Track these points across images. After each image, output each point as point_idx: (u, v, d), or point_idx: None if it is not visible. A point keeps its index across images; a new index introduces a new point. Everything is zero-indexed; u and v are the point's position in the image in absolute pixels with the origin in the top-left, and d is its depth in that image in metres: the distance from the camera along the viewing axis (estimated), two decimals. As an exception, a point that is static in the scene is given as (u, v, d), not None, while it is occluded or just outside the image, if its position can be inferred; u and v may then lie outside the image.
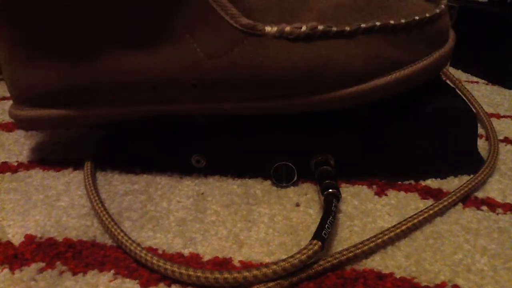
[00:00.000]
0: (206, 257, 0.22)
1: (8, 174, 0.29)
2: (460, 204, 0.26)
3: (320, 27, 0.23)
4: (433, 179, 0.28)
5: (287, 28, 0.23)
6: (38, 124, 0.28)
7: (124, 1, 0.24)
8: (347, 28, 0.24)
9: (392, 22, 0.24)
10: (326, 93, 0.25)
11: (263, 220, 0.25)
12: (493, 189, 0.27)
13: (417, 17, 0.24)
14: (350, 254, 0.21)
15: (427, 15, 0.25)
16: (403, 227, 0.23)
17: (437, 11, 0.25)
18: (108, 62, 0.25)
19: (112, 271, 0.21)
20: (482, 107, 0.36)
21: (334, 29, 0.23)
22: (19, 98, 0.28)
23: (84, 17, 0.24)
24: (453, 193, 0.26)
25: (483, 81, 0.48)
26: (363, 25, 0.24)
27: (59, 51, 0.26)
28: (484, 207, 0.26)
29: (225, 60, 0.24)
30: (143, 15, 0.24)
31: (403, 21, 0.24)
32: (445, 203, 0.25)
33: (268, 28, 0.23)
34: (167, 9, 0.24)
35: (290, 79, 0.24)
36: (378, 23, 0.24)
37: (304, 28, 0.23)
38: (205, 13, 0.23)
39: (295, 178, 0.28)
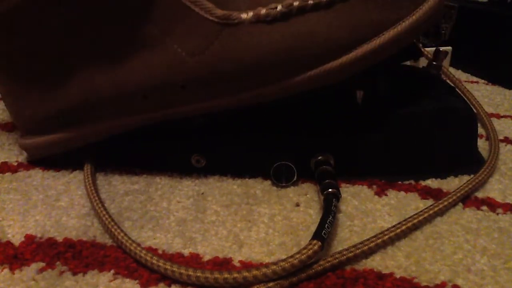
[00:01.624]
0: (206, 257, 0.22)
1: (8, 174, 0.29)
2: (460, 204, 0.26)
3: (296, 3, 0.23)
4: (433, 179, 0.28)
5: (263, 11, 0.23)
6: (45, 150, 0.29)
7: (98, 15, 0.24)
8: None
9: None
10: (314, 68, 0.24)
11: (263, 220, 0.25)
12: (493, 189, 0.27)
13: None
14: (350, 254, 0.21)
15: None
16: (403, 227, 0.23)
17: None
18: (95, 78, 0.26)
19: (112, 271, 0.21)
20: (482, 107, 0.36)
21: (311, 2, 0.23)
22: (24, 128, 0.29)
23: (63, 43, 0.25)
24: (453, 193, 0.26)
25: (483, 81, 0.48)
26: None
27: (50, 77, 0.26)
28: (484, 207, 0.26)
29: (207, 55, 0.24)
30: (120, 27, 0.24)
31: None
32: (445, 203, 0.25)
33: (243, 15, 0.23)
34: (141, 16, 0.24)
35: (274, 62, 0.23)
36: None
37: (279, 7, 0.23)
38: (179, 13, 0.23)
39: (295, 178, 0.28)
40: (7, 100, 0.29)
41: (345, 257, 0.21)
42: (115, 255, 0.22)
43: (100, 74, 0.25)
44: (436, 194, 0.27)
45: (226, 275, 0.19)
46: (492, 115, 0.39)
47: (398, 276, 0.21)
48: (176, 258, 0.22)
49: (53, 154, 0.29)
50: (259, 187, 0.28)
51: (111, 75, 0.25)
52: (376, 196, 0.27)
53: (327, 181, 0.25)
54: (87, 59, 0.25)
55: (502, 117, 0.38)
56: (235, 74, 0.24)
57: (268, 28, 0.23)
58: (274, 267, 0.19)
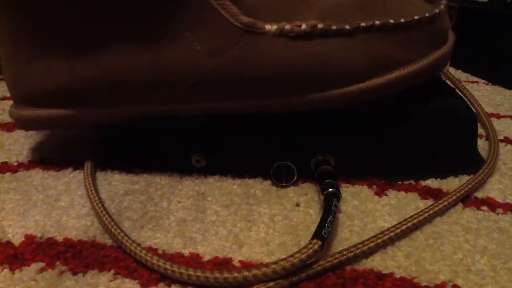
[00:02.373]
0: (206, 257, 0.22)
1: (8, 174, 0.29)
2: (460, 204, 0.26)
3: (320, 26, 0.23)
4: (433, 179, 0.28)
5: (287, 26, 0.23)
6: (38, 124, 0.28)
7: (127, 2, 0.24)
8: (347, 27, 0.24)
9: (391, 21, 0.24)
10: (326, 91, 0.25)
11: (263, 220, 0.25)
12: (493, 189, 0.27)
13: (416, 17, 0.25)
14: (350, 254, 0.21)
15: (427, 15, 0.25)
16: (403, 227, 0.23)
17: (437, 11, 0.25)
18: (108, 61, 0.25)
19: (112, 271, 0.21)
20: (482, 107, 0.36)
21: (334, 27, 0.24)
22: (20, 98, 0.28)
23: (84, 16, 0.24)
24: (453, 193, 0.26)
25: (483, 81, 0.48)
26: (362, 24, 0.24)
27: (60, 50, 0.26)
28: (484, 207, 0.26)
29: (225, 58, 0.24)
30: (144, 14, 0.24)
31: (402, 20, 0.24)
32: (445, 203, 0.25)
33: (268, 26, 0.23)
34: (168, 8, 0.24)
35: (290, 77, 0.24)
36: (377, 22, 0.24)
37: (304, 26, 0.23)
38: (205, 12, 0.23)
39: (295, 178, 0.28)
40: (10, 64, 0.27)
41: (345, 257, 0.21)
42: (115, 255, 0.22)
43: (115, 57, 0.25)
44: (436, 194, 0.27)
45: (226, 275, 0.19)
46: (492, 115, 0.39)
47: (398, 276, 0.21)
48: (176, 258, 0.22)
49: (45, 128, 0.29)
50: (259, 187, 0.28)
51: (125, 60, 0.25)
52: (376, 196, 0.27)
53: (327, 181, 0.25)
54: (105, 40, 0.25)
55: (502, 117, 0.38)
56: (248, 81, 0.24)
57: (290, 44, 0.24)
58: (274, 266, 0.19)
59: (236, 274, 0.19)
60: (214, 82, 0.25)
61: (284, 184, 0.28)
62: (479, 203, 0.26)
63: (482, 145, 0.33)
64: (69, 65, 0.26)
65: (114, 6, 0.24)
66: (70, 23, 0.25)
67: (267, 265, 0.20)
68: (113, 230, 0.23)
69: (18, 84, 0.28)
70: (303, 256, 0.20)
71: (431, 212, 0.24)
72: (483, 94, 0.44)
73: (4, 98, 0.42)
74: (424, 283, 0.20)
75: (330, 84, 0.24)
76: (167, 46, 0.24)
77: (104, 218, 0.24)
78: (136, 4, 0.24)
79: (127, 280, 0.21)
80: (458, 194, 0.26)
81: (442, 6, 0.26)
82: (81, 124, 0.28)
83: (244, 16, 0.23)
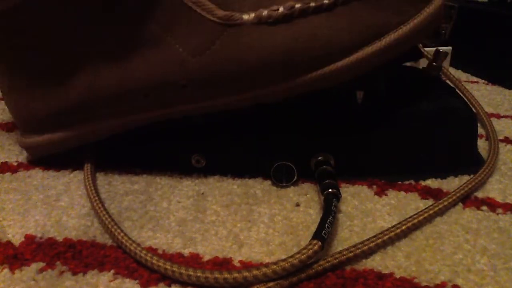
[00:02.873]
0: (206, 257, 0.22)
1: (8, 174, 0.29)
2: (460, 204, 0.26)
3: (298, 5, 0.23)
4: (433, 179, 0.28)
5: (265, 13, 0.23)
6: (44, 149, 0.29)
7: (99, 14, 0.24)
8: (326, 1, 0.23)
9: None
10: (316, 70, 0.24)
11: (263, 220, 0.25)
12: (493, 189, 0.27)
13: None
14: (350, 254, 0.21)
15: None
16: (403, 227, 0.23)
17: None
18: (100, 77, 0.26)
19: (112, 271, 0.21)
20: (482, 107, 0.36)
21: (312, 4, 0.23)
22: (23, 127, 0.29)
23: (64, 41, 0.25)
24: (453, 193, 0.26)
25: (483, 81, 0.48)
26: None
27: (51, 76, 0.26)
28: (484, 207, 0.26)
29: (209, 55, 0.24)
30: (122, 26, 0.24)
31: None
32: (445, 203, 0.25)
33: (245, 16, 0.23)
34: (143, 14, 0.24)
35: (276, 63, 0.24)
36: None
37: (281, 9, 0.23)
38: (181, 12, 0.23)
39: (295, 178, 0.28)
40: (9, 98, 0.29)
41: (345, 257, 0.21)
42: (115, 255, 0.22)
43: (102, 72, 0.25)
44: (436, 194, 0.27)
45: (226, 275, 0.19)
46: (492, 115, 0.39)
47: (398, 276, 0.21)
48: (176, 258, 0.22)
49: (53, 153, 0.29)
50: (259, 187, 0.28)
51: (113, 73, 0.25)
52: (376, 196, 0.27)
53: (327, 181, 0.25)
54: (89, 57, 0.25)
55: (502, 117, 0.38)
56: (236, 74, 0.24)
57: (270, 30, 0.23)
58: (274, 267, 0.19)
59: (236, 275, 0.19)
60: (203, 81, 0.24)
61: (284, 184, 0.28)
62: (479, 203, 0.26)
63: (482, 145, 0.33)
64: (59, 91, 0.26)
65: (86, 27, 0.24)
66: (52, 52, 0.26)
67: (267, 265, 0.20)
68: (113, 230, 0.23)
69: (20, 113, 0.28)
70: (303, 256, 0.20)
71: (431, 212, 0.24)
72: (483, 94, 0.44)
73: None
74: (424, 283, 0.20)
75: (318, 63, 0.24)
76: (150, 52, 0.24)
77: (104, 218, 0.24)
78: (110, 17, 0.24)
79: (127, 280, 0.21)
80: (458, 194, 0.26)
81: None
82: (85, 142, 0.29)
83: (220, 10, 0.23)
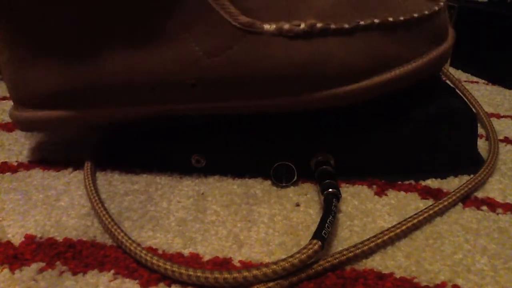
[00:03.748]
0: (206, 257, 0.22)
1: (8, 174, 0.29)
2: (460, 204, 0.26)
3: (319, 25, 0.23)
4: (433, 179, 0.28)
5: (286, 26, 0.23)
6: (39, 125, 0.28)
7: (123, 1, 0.24)
8: (346, 26, 0.24)
9: (390, 19, 0.24)
10: (325, 90, 0.25)
11: (263, 220, 0.25)
12: (493, 189, 0.27)
13: (415, 14, 0.24)
14: (350, 254, 0.21)
15: (426, 12, 0.25)
16: (403, 227, 0.23)
17: (436, 8, 0.25)
18: (107, 63, 0.25)
19: (112, 271, 0.21)
20: (482, 107, 0.36)
21: (333, 26, 0.24)
22: (20, 100, 0.28)
23: (83, 18, 0.24)
24: (453, 193, 0.26)
25: (483, 81, 0.48)
26: (361, 22, 0.24)
27: (59, 52, 0.26)
28: (484, 207, 0.26)
29: (224, 58, 0.24)
30: (142, 15, 0.24)
31: (401, 18, 0.24)
32: (445, 203, 0.25)
33: (266, 26, 0.23)
34: (166, 8, 0.24)
35: (289, 76, 0.24)
36: (376, 20, 0.24)
37: (302, 25, 0.23)
38: (204, 12, 0.23)
39: (295, 178, 0.28)
40: (9, 67, 0.28)
41: (345, 257, 0.21)
42: (115, 255, 0.22)
43: (113, 58, 0.25)
44: (436, 194, 0.27)
45: (226, 275, 0.19)
46: (492, 115, 0.39)
47: (398, 276, 0.21)
48: (176, 258, 0.22)
49: (46, 130, 0.29)
50: (259, 187, 0.28)
51: (124, 61, 0.25)
52: (376, 196, 0.27)
53: (327, 181, 0.25)
54: (103, 42, 0.25)
55: (502, 117, 0.38)
56: (248, 81, 0.24)
57: (289, 43, 0.24)
58: (274, 266, 0.19)
59: (236, 275, 0.19)
60: (213, 82, 0.25)
61: (284, 184, 0.28)
62: (479, 203, 0.26)
63: (482, 145, 0.33)
64: (67, 68, 0.26)
65: (110, 8, 0.24)
66: (66, 27, 0.25)
67: (267, 265, 0.20)
68: (113, 230, 0.23)
69: (18, 86, 0.28)
70: (303, 256, 0.20)
71: (431, 212, 0.24)
72: (483, 94, 0.44)
73: (4, 98, 0.42)
74: (424, 283, 0.20)
75: (329, 83, 0.24)
76: (165, 46, 0.24)
77: (104, 218, 0.24)
78: (133, 5, 0.24)
79: (127, 280, 0.21)
80: (458, 194, 0.26)
81: (442, 3, 0.26)
82: (81, 126, 0.28)
83: (243, 16, 0.23)
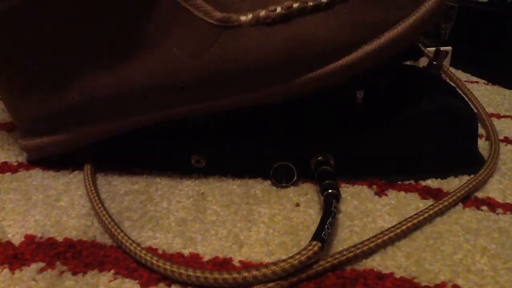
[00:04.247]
0: (206, 257, 0.22)
1: (8, 174, 0.29)
2: (460, 204, 0.26)
3: (295, 5, 0.23)
4: (433, 179, 0.28)
5: (262, 13, 0.23)
6: (45, 151, 0.29)
7: (96, 17, 0.24)
8: (323, 0, 0.23)
9: None
10: (314, 70, 0.24)
11: (263, 220, 0.25)
12: (493, 189, 0.27)
13: None
14: (350, 254, 0.21)
15: None
16: (403, 227, 0.23)
17: None
18: (95, 79, 0.26)
19: (112, 271, 0.21)
20: (483, 107, 0.36)
21: (310, 3, 0.23)
22: (23, 129, 0.29)
23: (62, 44, 0.25)
24: (453, 193, 0.26)
25: (483, 81, 0.48)
26: None
27: (50, 78, 0.26)
28: (484, 207, 0.26)
29: (207, 57, 0.24)
30: (118, 29, 0.24)
31: None
32: (445, 203, 0.25)
33: (243, 18, 0.23)
34: (140, 18, 0.24)
35: (275, 63, 0.24)
36: None
37: (279, 9, 0.23)
38: (178, 15, 0.23)
39: (295, 178, 0.28)
40: (7, 101, 0.29)
41: (345, 257, 0.21)
42: (115, 255, 0.22)
43: (100, 74, 0.25)
44: (436, 194, 0.27)
45: (225, 275, 0.19)
46: (492, 115, 0.39)
47: (398, 276, 0.21)
48: (176, 258, 0.22)
49: (53, 155, 0.29)
50: (259, 187, 0.28)
51: (111, 76, 0.25)
52: (376, 196, 0.27)
53: (327, 181, 0.25)
54: (87, 60, 0.25)
55: (502, 117, 0.38)
56: (235, 76, 0.24)
57: (268, 30, 0.23)
58: (273, 267, 0.19)
59: (235, 275, 0.19)
60: (201, 83, 0.24)
61: (284, 184, 0.28)
62: (479, 203, 0.26)
63: (482, 145, 0.33)
64: (60, 93, 0.26)
65: (90, 30, 0.24)
66: (52, 54, 0.25)
67: (266, 266, 0.20)
68: (113, 230, 0.23)
69: (18, 116, 0.29)
70: (302, 257, 0.20)
71: (431, 212, 0.24)
72: (483, 94, 0.44)
73: (4, 98, 0.42)
74: (424, 283, 0.20)
75: (317, 63, 0.24)
76: (149, 55, 0.24)
77: (104, 218, 0.24)
78: (108, 20, 0.24)
79: (127, 280, 0.21)
80: (458, 194, 0.26)
81: None
82: (85, 144, 0.29)
83: (217, 12, 0.23)
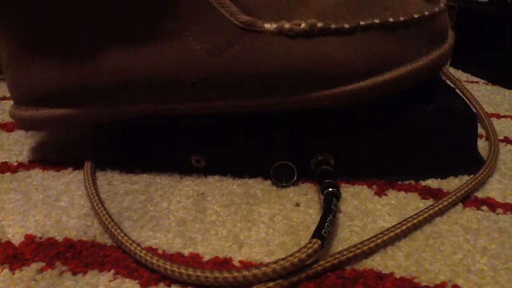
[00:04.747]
0: (206, 257, 0.22)
1: (8, 174, 0.29)
2: (460, 204, 0.26)
3: (319, 24, 0.23)
4: (433, 179, 0.28)
5: (287, 25, 0.23)
6: (38, 124, 0.28)
7: (122, 1, 0.24)
8: (346, 25, 0.24)
9: (391, 19, 0.24)
10: (325, 90, 0.25)
11: (263, 220, 0.25)
12: (493, 189, 0.27)
13: (416, 15, 0.25)
14: (350, 254, 0.21)
15: (426, 13, 0.25)
16: (403, 227, 0.23)
17: (436, 9, 0.25)
18: (106, 61, 0.25)
19: (112, 271, 0.21)
20: (482, 107, 0.36)
21: (333, 26, 0.24)
22: (21, 99, 0.28)
23: (82, 17, 0.25)
24: (453, 193, 0.26)
25: (483, 81, 0.48)
26: (362, 22, 0.24)
27: (59, 51, 0.26)
28: (484, 207, 0.26)
29: (225, 57, 0.24)
30: (140, 14, 0.24)
31: (402, 18, 0.24)
32: (445, 203, 0.25)
33: (267, 25, 0.23)
34: (166, 8, 0.24)
35: (289, 75, 0.24)
36: (376, 21, 0.24)
37: (303, 25, 0.23)
38: (204, 11, 0.23)
39: (295, 178, 0.28)
40: (9, 66, 0.28)
41: (345, 257, 0.21)
42: (115, 255, 0.22)
43: (112, 57, 0.25)
44: (436, 194, 0.27)
45: (226, 274, 0.19)
46: (492, 115, 0.39)
47: (398, 276, 0.21)
48: (176, 258, 0.22)
49: (45, 128, 0.29)
50: (259, 187, 0.28)
51: (123, 59, 0.25)
52: (376, 196, 0.27)
53: (327, 180, 0.25)
54: (101, 41, 0.25)
55: (502, 117, 0.38)
56: (248, 80, 0.24)
57: (289, 42, 0.24)
58: (274, 266, 0.19)
59: (235, 274, 0.19)
60: (214, 81, 0.25)
61: (284, 184, 0.28)
62: (479, 203, 0.26)
63: (482, 145, 0.33)
64: (65, 66, 0.26)
65: (109, 7, 0.24)
66: (65, 26, 0.25)
67: (266, 264, 0.20)
68: (113, 230, 0.23)
69: (18, 84, 0.28)
70: (303, 255, 0.20)
71: (431, 212, 0.24)
72: (483, 94, 0.44)
73: (4, 98, 0.42)
74: (424, 283, 0.20)
75: (329, 83, 0.24)
76: (165, 45, 0.24)
77: (104, 218, 0.24)
78: (133, 4, 0.24)
79: (127, 280, 0.21)
80: (458, 194, 0.26)
81: (442, 5, 0.26)
82: (81, 124, 0.28)
83: (243, 15, 0.23)
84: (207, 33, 0.24)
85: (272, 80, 0.24)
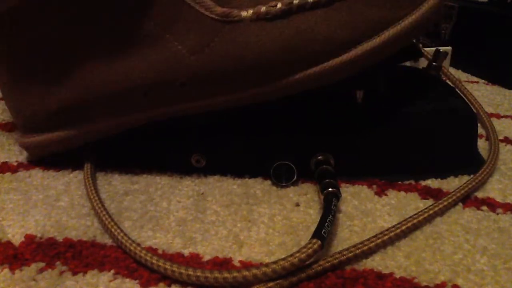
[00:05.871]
0: (206, 257, 0.22)
1: (8, 174, 0.29)
2: (460, 204, 0.26)
3: (296, 1, 0.23)
4: (433, 179, 0.28)
5: (263, 9, 0.23)
6: (45, 149, 0.29)
7: (96, 13, 0.24)
8: None
9: None
10: (315, 67, 0.24)
11: (263, 220, 0.25)
12: (493, 189, 0.27)
13: None
14: (350, 254, 0.21)
15: None
16: (403, 227, 0.23)
17: None
18: (96, 75, 0.25)
19: (112, 271, 0.21)
20: (482, 107, 0.36)
21: (310, 0, 0.23)
22: (24, 126, 0.29)
23: (62, 40, 0.25)
24: (453, 193, 0.26)
25: (483, 81, 0.48)
26: None
27: (51, 74, 0.26)
28: (484, 207, 0.26)
29: (208, 53, 0.24)
30: (119, 24, 0.24)
31: None
32: (445, 203, 0.25)
33: (244, 13, 0.23)
34: (141, 12, 0.24)
35: (275, 59, 0.24)
36: None
37: (279, 5, 0.23)
38: (179, 10, 0.23)
39: (295, 178, 0.28)
40: (8, 98, 0.29)
41: (345, 257, 0.21)
42: (115, 255, 0.22)
43: (100, 70, 0.25)
44: (436, 194, 0.27)
45: (225, 275, 0.19)
46: (492, 115, 0.39)
47: (398, 276, 0.21)
48: (176, 258, 0.22)
49: (53, 153, 0.29)
50: (259, 187, 0.28)
51: (111, 71, 0.25)
52: (376, 196, 0.27)
53: (327, 180, 0.25)
54: (87, 56, 0.25)
55: (502, 117, 0.38)
56: (236, 72, 0.24)
57: (268, 26, 0.23)
58: (274, 266, 0.19)
59: (235, 274, 0.19)
60: (202, 79, 0.24)
61: (284, 184, 0.28)
62: (479, 203, 0.26)
63: (482, 145, 0.33)
64: (60, 88, 0.26)
65: (87, 20, 0.24)
66: (49, 45, 0.25)
67: (266, 265, 0.20)
68: (113, 230, 0.23)
69: (20, 113, 0.28)
70: (302, 255, 0.20)
71: (431, 212, 0.24)
72: (483, 94, 0.44)
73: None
74: (424, 283, 0.20)
75: (316, 60, 0.24)
76: (150, 50, 0.24)
77: (104, 218, 0.24)
78: (108, 15, 0.24)
79: (127, 280, 0.21)
80: (458, 194, 0.26)
81: None
82: (85, 141, 0.28)
83: (218, 7, 0.23)
84: (186, 32, 0.24)
85: (259, 67, 0.24)
